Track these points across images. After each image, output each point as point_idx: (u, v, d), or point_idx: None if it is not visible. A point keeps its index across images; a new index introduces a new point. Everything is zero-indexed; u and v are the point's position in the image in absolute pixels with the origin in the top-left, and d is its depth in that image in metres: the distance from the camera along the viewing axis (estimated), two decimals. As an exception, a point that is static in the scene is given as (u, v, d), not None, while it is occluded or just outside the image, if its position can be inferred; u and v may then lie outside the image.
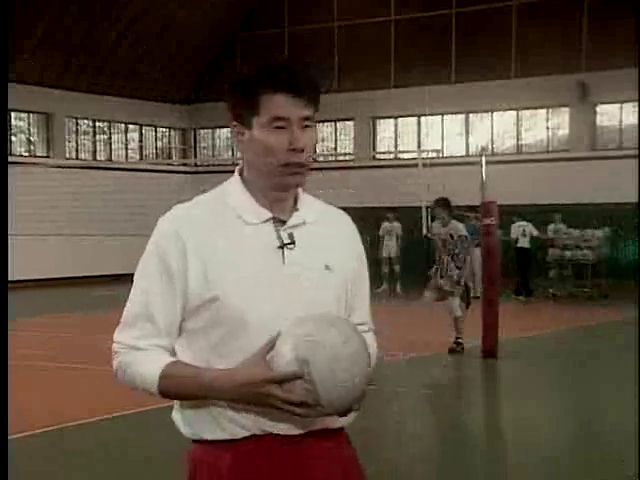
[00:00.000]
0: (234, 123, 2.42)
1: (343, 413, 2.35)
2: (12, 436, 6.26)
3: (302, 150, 2.36)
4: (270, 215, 2.41)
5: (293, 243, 2.41)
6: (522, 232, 21.82)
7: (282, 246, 2.40)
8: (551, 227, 22.34)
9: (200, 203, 2.46)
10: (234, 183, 2.46)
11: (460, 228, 12.88)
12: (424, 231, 22.95)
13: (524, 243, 21.84)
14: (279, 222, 2.42)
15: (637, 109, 25.52)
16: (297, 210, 2.45)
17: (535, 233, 21.99)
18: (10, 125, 26.82)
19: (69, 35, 27.53)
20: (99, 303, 20.43)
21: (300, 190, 2.48)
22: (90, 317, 17.74)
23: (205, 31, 30.52)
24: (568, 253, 22.07)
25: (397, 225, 23.36)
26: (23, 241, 22.32)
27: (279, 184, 2.40)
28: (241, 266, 2.35)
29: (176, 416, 2.48)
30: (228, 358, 2.35)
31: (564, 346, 14.14)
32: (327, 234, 2.48)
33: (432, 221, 13.32)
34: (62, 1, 26.88)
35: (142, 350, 2.38)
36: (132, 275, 2.47)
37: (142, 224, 16.29)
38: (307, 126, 2.38)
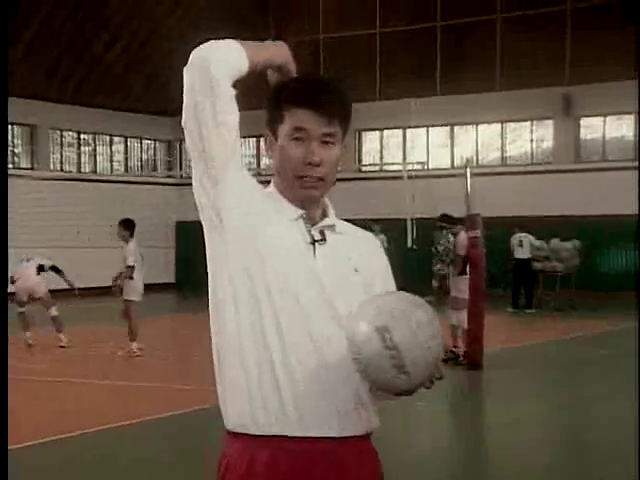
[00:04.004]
0: (267, 133, 2.53)
1: (426, 382, 2.36)
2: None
3: (318, 164, 2.44)
4: (302, 211, 2.49)
5: (324, 240, 2.49)
6: (519, 243, 21.69)
7: (313, 242, 2.48)
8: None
9: None
10: (270, 188, 2.55)
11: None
12: (409, 243, 22.99)
13: (522, 254, 21.68)
14: (310, 221, 2.51)
15: (637, 120, 25.66)
16: (327, 217, 2.55)
17: (537, 243, 21.90)
18: (-5, 137, 26.73)
19: (53, 46, 27.51)
20: (85, 316, 20.37)
21: (328, 204, 2.57)
22: (78, 330, 17.66)
23: (191, 42, 30.48)
24: (538, 265, 22.16)
25: (382, 237, 23.42)
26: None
27: (297, 196, 2.48)
28: (275, 253, 2.43)
29: (221, 408, 2.53)
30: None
31: (546, 357, 14.18)
32: (355, 243, 2.58)
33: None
34: (46, 13, 26.88)
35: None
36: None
37: (127, 236, 16.32)
38: (329, 142, 2.46)
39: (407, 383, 2.32)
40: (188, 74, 2.42)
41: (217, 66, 2.38)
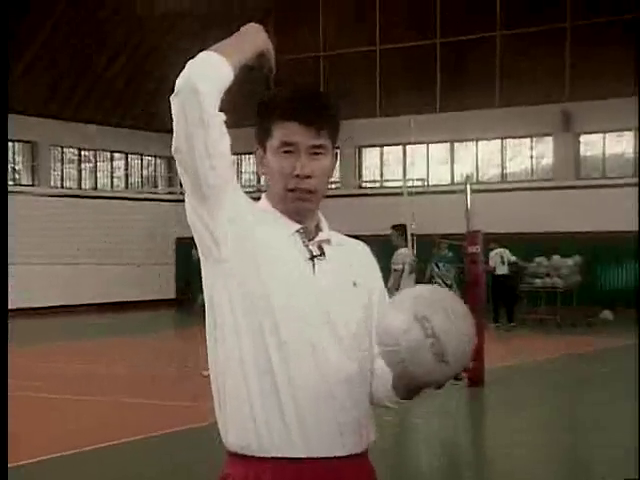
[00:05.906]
0: (256, 147, 2.52)
1: (459, 373, 2.39)
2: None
3: (308, 177, 2.42)
4: (299, 226, 2.47)
5: (323, 255, 2.47)
6: (500, 260, 21.72)
7: (312, 257, 2.45)
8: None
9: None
10: (263, 202, 2.53)
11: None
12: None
13: (503, 270, 21.72)
14: (306, 236, 2.48)
15: (637, 137, 25.68)
16: (321, 230, 2.53)
17: (512, 259, 21.94)
18: (-5, 153, 26.77)
19: (54, 63, 27.57)
20: (87, 332, 20.36)
21: (321, 217, 2.55)
22: (78, 345, 17.64)
23: (191, 59, 30.56)
24: (538, 281, 22.16)
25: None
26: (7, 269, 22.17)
27: (289, 209, 2.46)
28: (271, 266, 2.40)
29: (220, 428, 2.49)
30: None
31: (547, 375, 14.16)
32: (352, 255, 2.57)
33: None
34: (48, 30, 26.96)
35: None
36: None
37: (128, 252, 16.32)
38: (319, 154, 2.45)
39: (445, 373, 2.33)
40: (176, 103, 2.35)
41: (204, 93, 2.31)
